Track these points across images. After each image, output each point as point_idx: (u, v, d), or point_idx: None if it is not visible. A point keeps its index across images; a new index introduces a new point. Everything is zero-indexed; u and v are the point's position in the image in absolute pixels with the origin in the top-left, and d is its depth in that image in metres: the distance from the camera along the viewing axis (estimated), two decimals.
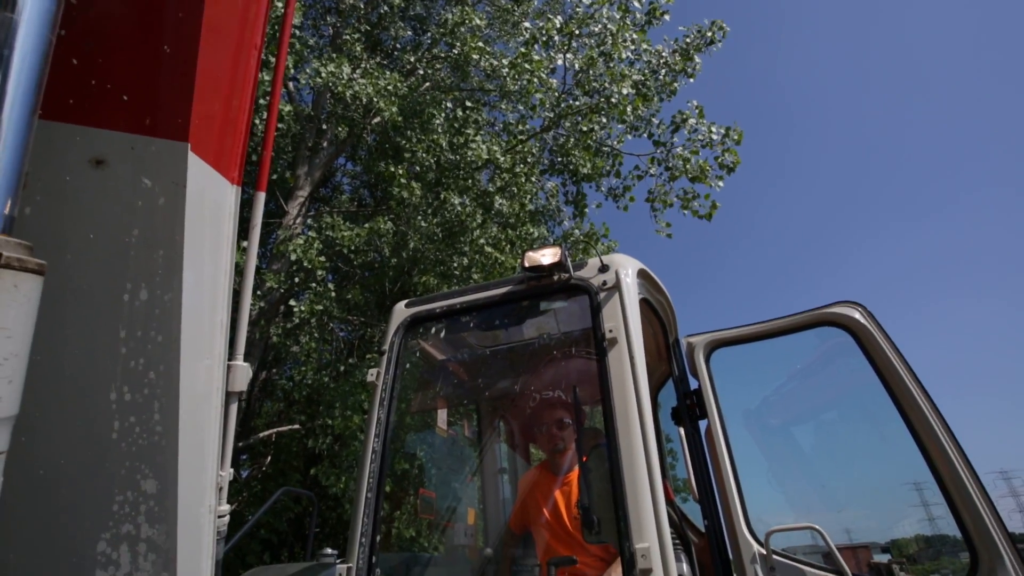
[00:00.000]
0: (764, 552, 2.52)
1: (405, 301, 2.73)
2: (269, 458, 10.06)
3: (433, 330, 2.63)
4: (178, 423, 1.27)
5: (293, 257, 7.66)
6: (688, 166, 9.17)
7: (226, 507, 1.67)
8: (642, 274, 2.57)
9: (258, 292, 8.07)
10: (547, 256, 2.33)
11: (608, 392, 2.00)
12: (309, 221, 8.84)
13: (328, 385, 7.60)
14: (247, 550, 7.76)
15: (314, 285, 8.22)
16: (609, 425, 1.93)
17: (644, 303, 2.72)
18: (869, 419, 3.06)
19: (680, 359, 3.10)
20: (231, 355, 1.69)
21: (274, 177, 9.41)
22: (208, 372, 1.59)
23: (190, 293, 1.34)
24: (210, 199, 1.66)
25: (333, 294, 8.10)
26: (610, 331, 2.13)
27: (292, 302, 7.77)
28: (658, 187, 9.77)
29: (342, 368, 8.21)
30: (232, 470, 1.69)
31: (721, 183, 9.11)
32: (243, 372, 1.70)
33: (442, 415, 2.98)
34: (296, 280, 8.11)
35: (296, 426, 9.30)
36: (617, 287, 2.29)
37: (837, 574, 2.42)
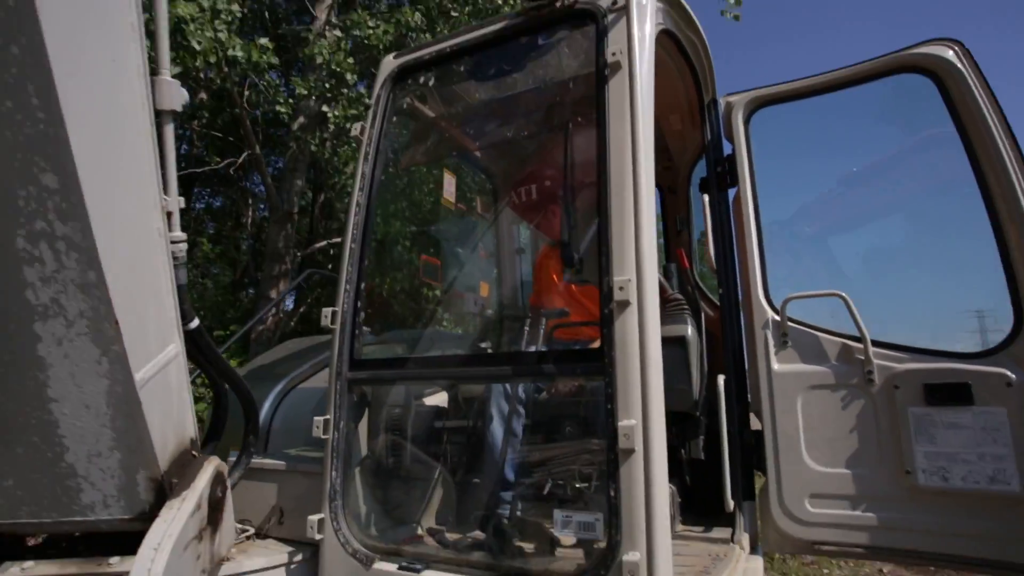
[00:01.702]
0: (779, 319, 2.39)
1: (394, 52, 2.41)
2: (330, 267, 10.77)
3: (423, 80, 2.33)
4: (62, 111, 1.13)
5: (319, 60, 7.17)
6: None
7: (180, 234, 1.64)
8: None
9: (290, 100, 7.80)
10: None
11: (604, 124, 1.71)
12: (334, 20, 8.07)
13: (412, 200, 7.66)
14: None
15: (346, 91, 7.81)
16: (601, 159, 1.69)
17: (669, 38, 2.27)
18: (944, 224, 2.57)
19: (715, 122, 2.70)
20: (155, 70, 1.52)
21: None
22: (129, 87, 1.43)
23: None
24: None
25: (368, 100, 7.72)
26: (612, 55, 1.76)
27: (324, 108, 7.49)
28: None
29: (383, 177, 8.18)
30: (182, 198, 1.63)
31: None
32: (171, 88, 1.54)
33: (449, 186, 2.82)
34: (328, 86, 7.72)
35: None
36: (627, 7, 1.86)
37: (855, 339, 2.28)
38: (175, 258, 1.63)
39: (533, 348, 2.17)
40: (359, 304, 2.11)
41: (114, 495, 1.59)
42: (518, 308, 2.82)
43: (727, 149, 2.65)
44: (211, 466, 1.73)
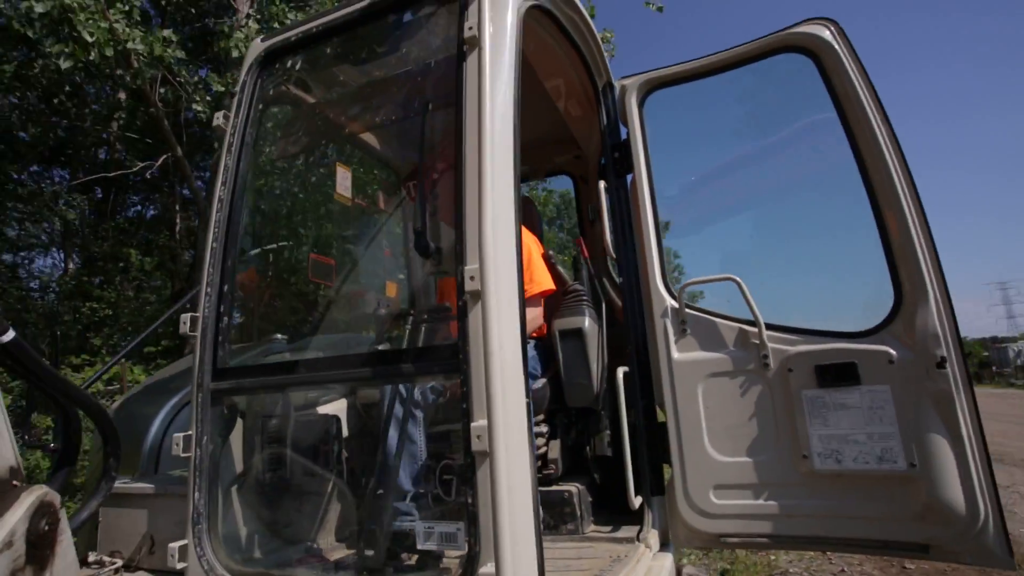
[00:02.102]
0: (676, 305, 2.34)
1: (262, 36, 2.23)
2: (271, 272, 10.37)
3: (291, 64, 2.16)
4: None
5: (235, 54, 6.83)
6: None
7: None
8: None
9: (208, 98, 7.41)
10: None
11: (461, 104, 1.59)
12: (250, 12, 7.71)
13: (298, 196, 7.35)
14: None
15: None
16: (457, 142, 1.57)
17: (547, 16, 2.17)
18: (836, 206, 2.54)
19: (612, 106, 2.63)
20: None
21: None
22: None
23: None
24: None
25: None
26: (469, 29, 1.64)
27: None
28: None
29: (313, 179, 7.89)
30: None
31: None
32: None
33: (344, 181, 2.65)
34: None
35: (284, 243, 9.33)
36: None
37: (751, 324, 2.24)
38: None
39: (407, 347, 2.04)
40: (222, 308, 1.93)
41: None
42: (419, 307, 2.69)
43: (626, 135, 2.59)
44: (30, 497, 1.52)
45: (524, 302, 1.55)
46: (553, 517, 2.33)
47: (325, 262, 2.78)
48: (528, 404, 1.51)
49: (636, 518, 2.36)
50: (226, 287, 1.95)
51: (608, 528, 2.40)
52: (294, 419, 2.10)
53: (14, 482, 1.57)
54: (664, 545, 2.32)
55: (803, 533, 2.09)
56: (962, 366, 1.89)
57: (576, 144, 3.29)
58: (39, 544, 1.54)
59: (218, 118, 2.12)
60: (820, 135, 2.28)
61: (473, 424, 1.35)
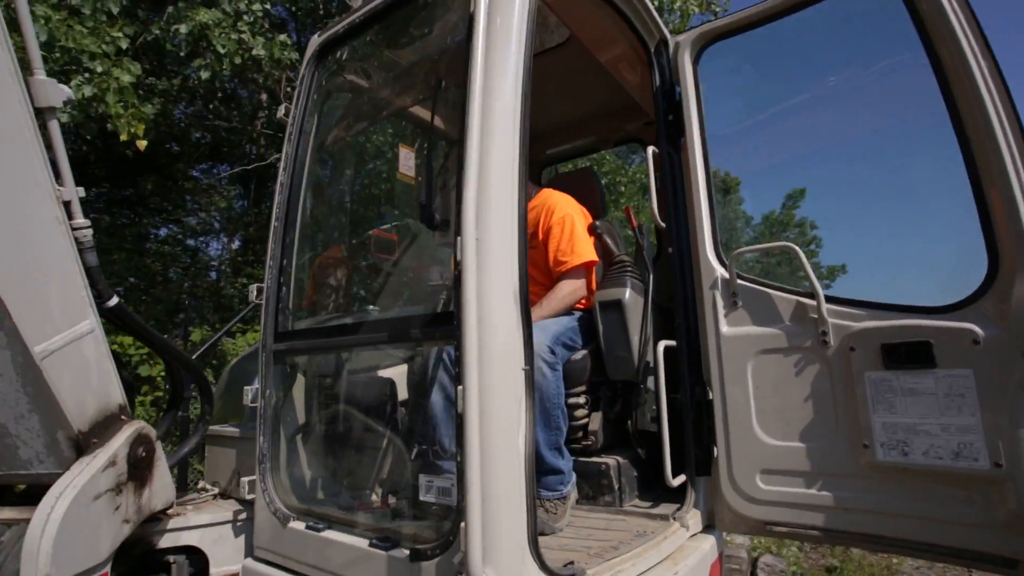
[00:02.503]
0: (728, 276, 2.17)
1: (319, 32, 2.44)
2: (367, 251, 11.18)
3: (343, 55, 2.34)
4: None
5: None
6: None
7: (82, 221, 1.77)
8: None
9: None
10: None
11: (467, 76, 1.63)
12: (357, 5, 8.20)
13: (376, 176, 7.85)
14: None
15: None
16: (462, 119, 1.61)
17: None
18: (915, 165, 2.15)
19: (665, 66, 2.47)
20: (30, 71, 1.63)
21: None
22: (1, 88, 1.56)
23: None
24: None
25: None
26: (473, 2, 1.66)
27: None
28: None
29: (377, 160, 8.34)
30: (81, 188, 1.75)
31: None
32: (47, 87, 1.64)
33: (407, 160, 2.82)
34: None
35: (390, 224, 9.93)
36: None
37: (809, 296, 2.01)
38: (80, 243, 1.77)
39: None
40: (282, 280, 2.19)
41: (43, 452, 1.79)
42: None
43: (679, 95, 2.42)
44: (130, 428, 1.89)
45: (526, 273, 1.56)
46: (591, 488, 2.33)
47: (388, 238, 2.98)
48: (527, 372, 1.53)
49: (678, 496, 2.28)
50: (285, 261, 2.20)
51: (649, 504, 2.34)
52: (346, 379, 2.33)
53: (121, 416, 1.96)
54: (709, 527, 2.22)
55: (861, 530, 1.87)
56: None
57: (644, 111, 3.14)
58: (138, 466, 1.91)
59: (280, 111, 2.36)
60: (901, 77, 1.94)
61: (458, 386, 1.42)
